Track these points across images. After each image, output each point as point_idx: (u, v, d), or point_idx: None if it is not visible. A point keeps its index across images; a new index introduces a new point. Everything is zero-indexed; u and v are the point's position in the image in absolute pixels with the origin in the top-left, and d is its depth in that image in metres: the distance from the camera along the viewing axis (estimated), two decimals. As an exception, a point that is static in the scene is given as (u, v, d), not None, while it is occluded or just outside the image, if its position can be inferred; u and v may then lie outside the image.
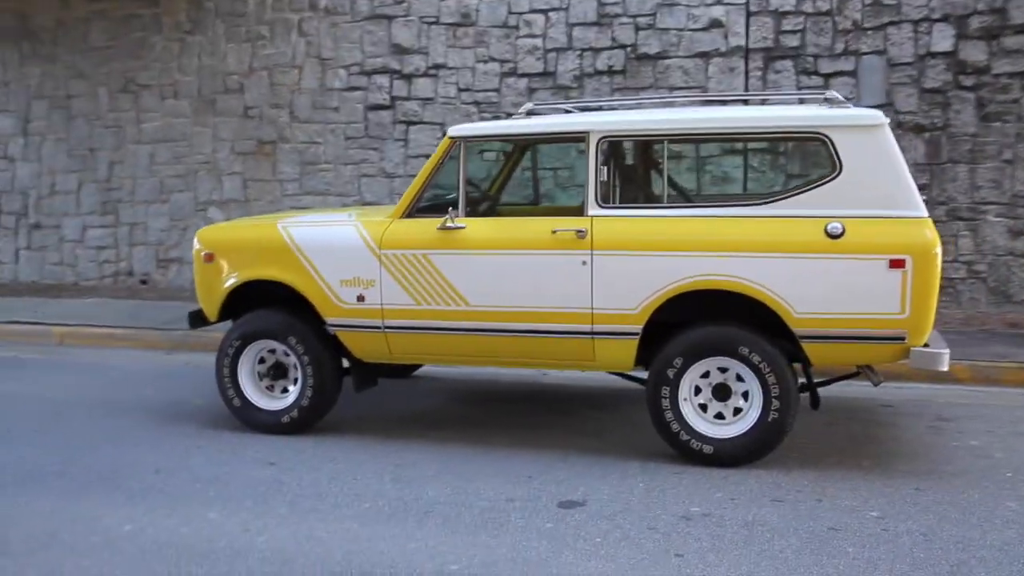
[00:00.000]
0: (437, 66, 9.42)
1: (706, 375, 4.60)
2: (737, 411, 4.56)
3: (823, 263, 4.32)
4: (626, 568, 3.47)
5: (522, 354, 4.88)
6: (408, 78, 9.52)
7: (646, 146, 4.73)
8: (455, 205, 4.86)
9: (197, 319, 5.52)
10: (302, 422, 5.19)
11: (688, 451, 4.58)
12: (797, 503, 4.08)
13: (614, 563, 3.51)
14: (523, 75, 9.15)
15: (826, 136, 4.39)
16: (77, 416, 5.76)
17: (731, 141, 5.31)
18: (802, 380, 4.72)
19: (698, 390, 4.62)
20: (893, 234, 4.25)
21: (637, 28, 8.80)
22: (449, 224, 4.81)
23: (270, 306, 5.28)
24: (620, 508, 4.07)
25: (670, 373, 4.56)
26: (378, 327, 4.99)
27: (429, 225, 4.88)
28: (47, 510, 4.15)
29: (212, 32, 10.20)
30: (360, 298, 4.99)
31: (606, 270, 4.60)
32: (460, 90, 9.35)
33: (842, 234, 4.29)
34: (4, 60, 11.04)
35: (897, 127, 8.15)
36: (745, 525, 3.85)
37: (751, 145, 5.69)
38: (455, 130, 4.94)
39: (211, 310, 5.40)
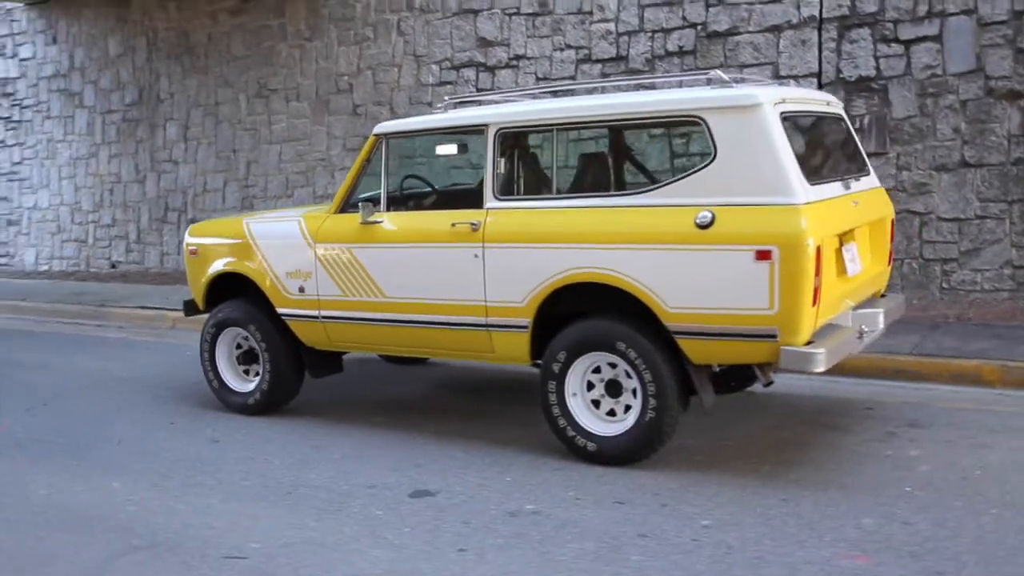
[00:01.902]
0: (518, 57, 9.51)
1: (598, 371, 4.46)
2: (628, 408, 4.40)
3: (691, 255, 4.06)
4: (405, 558, 3.53)
5: (433, 345, 4.98)
6: (492, 70, 9.69)
7: (540, 137, 4.63)
8: (377, 201, 5.03)
9: (191, 308, 6.07)
10: (265, 404, 5.59)
11: (573, 447, 4.48)
12: (637, 507, 3.90)
13: (398, 552, 3.58)
14: (597, 61, 9.03)
15: (702, 119, 4.11)
16: (106, 391, 6.52)
17: (615, 128, 5.03)
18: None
19: (591, 386, 4.50)
20: (761, 223, 3.92)
21: (707, 5, 8.40)
22: (369, 219, 4.99)
23: (242, 296, 5.72)
24: (462, 501, 4.09)
25: (555, 368, 4.48)
26: (316, 317, 5.27)
27: (355, 220, 5.09)
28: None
29: (327, 37, 10.91)
30: (301, 289, 5.30)
31: (496, 263, 4.59)
32: (538, 79, 9.39)
33: (710, 224, 4.01)
34: (170, 74, 12.43)
35: (987, 94, 7.26)
36: (560, 525, 3.75)
37: (645, 132, 5.37)
38: (379, 127, 5.11)
39: (199, 299, 5.93)
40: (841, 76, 7.85)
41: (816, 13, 7.90)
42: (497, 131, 4.65)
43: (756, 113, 4.00)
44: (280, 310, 5.41)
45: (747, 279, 3.93)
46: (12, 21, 14.36)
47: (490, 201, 4.65)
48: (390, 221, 4.99)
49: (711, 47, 8.42)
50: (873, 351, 5.96)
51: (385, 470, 4.54)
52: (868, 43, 7.72)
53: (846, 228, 4.39)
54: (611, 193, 4.52)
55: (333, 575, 3.40)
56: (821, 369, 3.92)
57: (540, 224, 4.48)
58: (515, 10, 9.50)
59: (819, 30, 7.93)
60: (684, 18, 8.53)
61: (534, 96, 5.05)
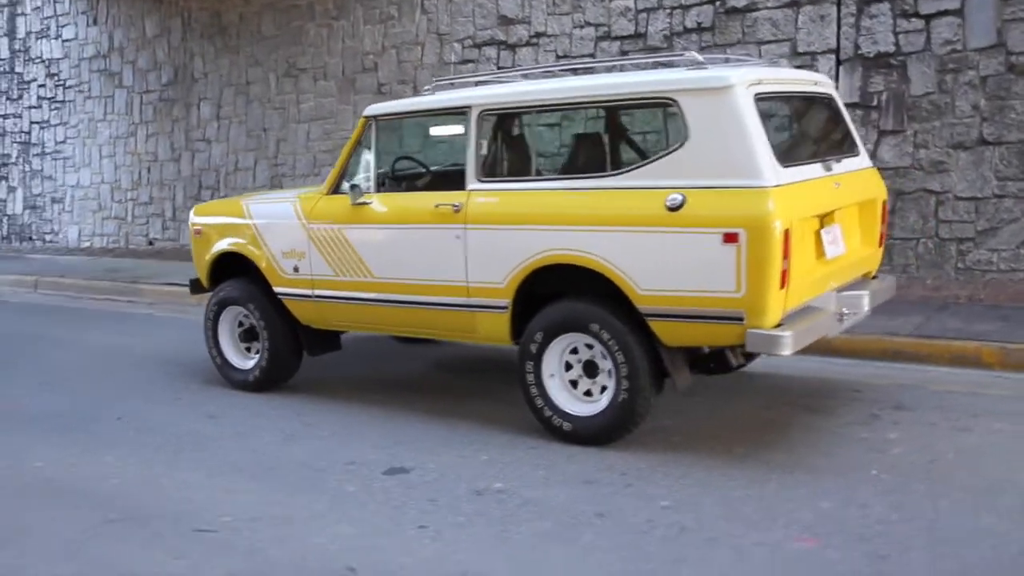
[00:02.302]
0: (538, 34, 9.48)
1: (575, 351, 4.50)
2: (604, 389, 4.43)
3: (662, 237, 4.06)
4: (364, 534, 3.62)
5: (419, 324, 5.05)
6: (513, 48, 9.68)
7: (520, 119, 4.65)
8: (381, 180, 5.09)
9: (196, 286, 6.23)
10: (264, 381, 5.72)
11: (550, 427, 4.53)
12: (603, 486, 3.95)
13: (359, 528, 3.68)
14: (616, 38, 8.96)
15: (675, 101, 4.10)
16: (123, 367, 6.73)
17: (591, 109, 5.01)
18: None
19: (570, 366, 4.54)
20: (729, 206, 3.90)
21: (725, -20, 8.28)
22: (358, 200, 5.07)
23: (244, 275, 5.84)
24: (434, 479, 4.17)
25: (533, 348, 4.52)
26: (310, 296, 5.38)
27: (347, 201, 5.16)
28: None
29: (353, 16, 10.99)
30: (296, 269, 5.41)
31: (476, 244, 4.64)
32: (558, 56, 9.36)
33: (681, 206, 4.00)
34: (204, 54, 12.64)
35: (1008, 70, 7.06)
36: (523, 504, 3.81)
37: (622, 114, 5.33)
38: (369, 110, 5.18)
39: (203, 278, 6.08)
40: (860, 52, 7.69)
41: (834, -13, 7.75)
42: (479, 113, 4.68)
43: (728, 95, 3.97)
44: (276, 289, 5.53)
45: (715, 262, 3.92)
46: (56, 3, 14.71)
47: (472, 183, 4.69)
48: (378, 202, 5.06)
49: (729, 23, 8.30)
50: (873, 332, 5.92)
51: (367, 447, 4.64)
52: (888, 18, 7.55)
53: (825, 210, 4.35)
54: (586, 175, 4.52)
55: (287, 549, 3.50)
56: (787, 352, 3.90)
57: (518, 206, 4.52)
58: (535, -13, 9.47)
59: (838, 5, 7.77)
60: (702, -6, 8.42)
61: (529, 77, 5.04)
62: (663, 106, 4.22)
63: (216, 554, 3.51)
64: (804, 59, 7.93)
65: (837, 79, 7.78)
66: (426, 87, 5.19)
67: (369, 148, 5.14)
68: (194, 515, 3.90)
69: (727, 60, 4.56)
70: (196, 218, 6.08)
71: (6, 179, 15.94)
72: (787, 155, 4.13)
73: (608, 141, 5.03)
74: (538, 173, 4.60)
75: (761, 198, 3.84)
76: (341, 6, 11.09)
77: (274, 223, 5.51)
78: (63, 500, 4.15)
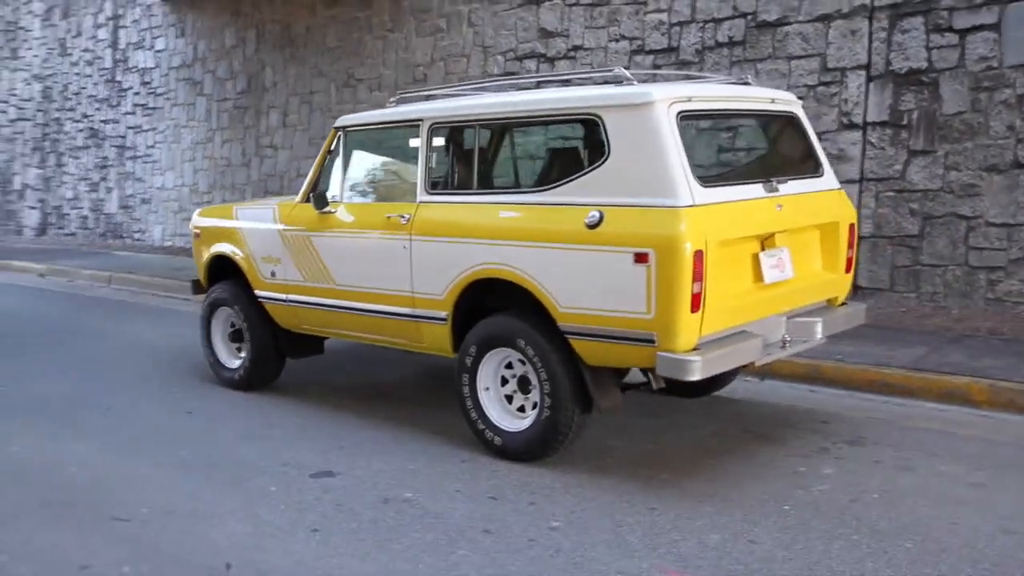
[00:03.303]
0: (575, 48, 9.48)
1: (510, 366, 4.49)
2: (536, 405, 4.40)
3: (580, 255, 4.02)
4: (259, 533, 3.71)
5: (375, 331, 5.12)
6: (551, 61, 9.70)
7: (462, 133, 4.66)
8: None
9: (197, 286, 6.49)
10: (249, 380, 5.91)
11: (483, 440, 4.53)
12: (506, 503, 3.93)
13: (257, 527, 3.77)
14: (649, 52, 8.88)
15: (599, 116, 4.06)
16: (143, 361, 7.04)
17: (520, 125, 4.96)
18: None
19: (506, 381, 4.53)
20: (642, 225, 3.83)
21: (758, -7, 8.09)
22: (323, 209, 5.19)
23: (234, 277, 6.05)
24: (352, 484, 4.24)
25: (468, 361, 4.54)
26: (283, 300, 5.54)
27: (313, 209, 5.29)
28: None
29: (406, 29, 11.22)
30: (272, 273, 5.58)
31: (420, 255, 4.69)
32: (594, 68, 9.31)
33: (599, 224, 3.96)
34: (273, 65, 13.13)
35: (1045, 90, 6.65)
36: (421, 515, 3.83)
37: (550, 129, 5.25)
38: (339, 121, 5.31)
39: (202, 279, 6.33)
40: (891, 68, 7.39)
41: (867, 1, 7.46)
42: (429, 127, 4.74)
43: (647, 112, 3.90)
44: (257, 292, 5.71)
45: (627, 282, 3.85)
46: (151, 16, 15.55)
47: (421, 195, 4.75)
48: (340, 212, 5.17)
49: (760, 37, 8.11)
50: (867, 362, 5.68)
51: (308, 450, 4.74)
52: (920, 33, 7.23)
53: (763, 232, 4.21)
54: (518, 190, 4.51)
55: (180, 543, 3.62)
56: (696, 377, 3.80)
57: (455, 219, 4.55)
58: (575, 1, 9.46)
59: (870, 19, 7.49)
60: (735, 7, 8.25)
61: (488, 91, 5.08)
62: (588, 122, 4.17)
63: (114, 543, 3.66)
64: (833, 75, 7.67)
65: (867, 96, 7.50)
66: (391, 99, 5.28)
67: (338, 158, 5.26)
68: (119, 505, 4.07)
69: (654, 77, 4.45)
70: (197, 220, 6.34)
71: (105, 180, 16.90)
72: (716, 175, 4.03)
73: (540, 157, 5.01)
74: (478, 187, 4.59)
75: (672, 218, 3.76)
76: (396, 19, 11.34)
77: (256, 228, 5.70)
78: (17, 482, 4.38)
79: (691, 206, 3.78)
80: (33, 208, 18.76)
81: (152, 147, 15.62)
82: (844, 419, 5.01)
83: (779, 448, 4.55)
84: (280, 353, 5.92)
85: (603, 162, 4.03)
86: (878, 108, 7.43)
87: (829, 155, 7.63)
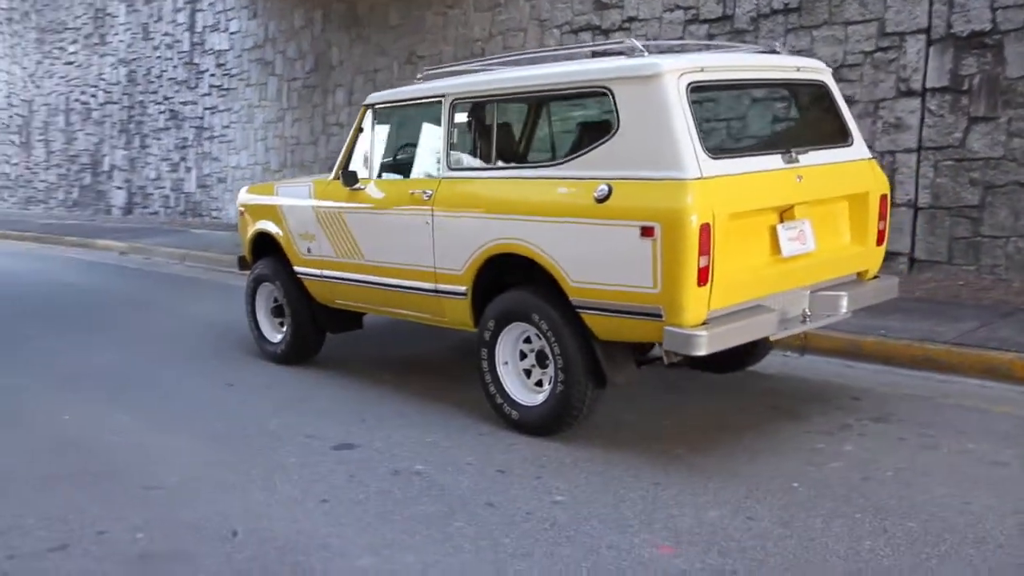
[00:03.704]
0: (630, 19, 9.34)
1: (529, 341, 4.50)
2: (552, 379, 4.40)
3: (589, 229, 4.00)
4: (272, 501, 3.83)
5: (401, 306, 5.19)
6: (606, 33, 9.58)
7: (483, 108, 4.62)
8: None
9: (243, 262, 6.66)
10: (289, 354, 6.07)
11: (501, 414, 4.56)
12: (514, 477, 3.96)
13: (270, 496, 3.89)
14: (704, 21, 8.68)
15: (609, 89, 4.00)
16: (196, 335, 7.29)
17: (534, 100, 4.89)
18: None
19: (524, 355, 4.55)
20: (648, 198, 3.78)
21: (814, -43, 7.82)
22: (353, 186, 5.26)
23: (276, 253, 6.19)
24: (369, 456, 4.32)
25: (487, 335, 4.57)
26: (319, 276, 5.65)
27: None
28: (41, 399, 5.55)
29: (465, 4, 11.23)
30: (308, 250, 5.69)
31: (442, 231, 4.72)
32: (649, 39, 9.15)
33: (607, 197, 3.92)
34: (339, 44, 13.31)
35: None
36: (428, 487, 3.89)
37: (569, 103, 5.14)
38: (368, 98, 5.37)
39: (247, 255, 6.50)
40: (952, 31, 7.07)
41: (927, -39, 7.15)
42: (450, 102, 4.75)
43: (656, 83, 3.83)
44: (296, 268, 5.84)
45: (634, 256, 3.81)
46: (225, -2, 15.94)
47: (443, 171, 4.78)
48: (369, 188, 5.24)
49: (816, 3, 7.85)
50: (911, 336, 5.51)
51: (334, 423, 4.85)
52: (983, -7, 6.90)
53: (781, 204, 4.10)
54: (532, 164, 4.48)
55: (196, 511, 3.76)
56: (702, 352, 3.74)
57: (473, 194, 4.57)
58: (629, -29, 9.32)
59: (930, -20, 7.16)
60: (790, -27, 8.00)
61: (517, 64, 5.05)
62: (600, 95, 4.11)
63: (137, 510, 3.81)
64: (892, 39, 7.37)
65: (927, 61, 7.19)
66: (418, 75, 5.31)
67: (368, 135, 5.32)
68: (151, 475, 4.23)
69: (671, 48, 4.35)
70: (242, 198, 6.50)
71: (184, 160, 17.45)
72: (730, 146, 3.94)
73: (555, 131, 4.96)
74: (495, 162, 4.59)
75: (679, 191, 3.69)
76: (456, -5, 11.36)
77: (293, 205, 5.82)
78: (62, 451, 4.59)
79: (698, 179, 3.71)
80: (120, 188, 19.52)
81: (227, 127, 16.04)
82: (877, 395, 4.86)
83: (801, 424, 4.45)
84: (319, 328, 6.04)
85: (613, 135, 3.98)
86: (938, 73, 7.12)
87: (886, 124, 7.37)
